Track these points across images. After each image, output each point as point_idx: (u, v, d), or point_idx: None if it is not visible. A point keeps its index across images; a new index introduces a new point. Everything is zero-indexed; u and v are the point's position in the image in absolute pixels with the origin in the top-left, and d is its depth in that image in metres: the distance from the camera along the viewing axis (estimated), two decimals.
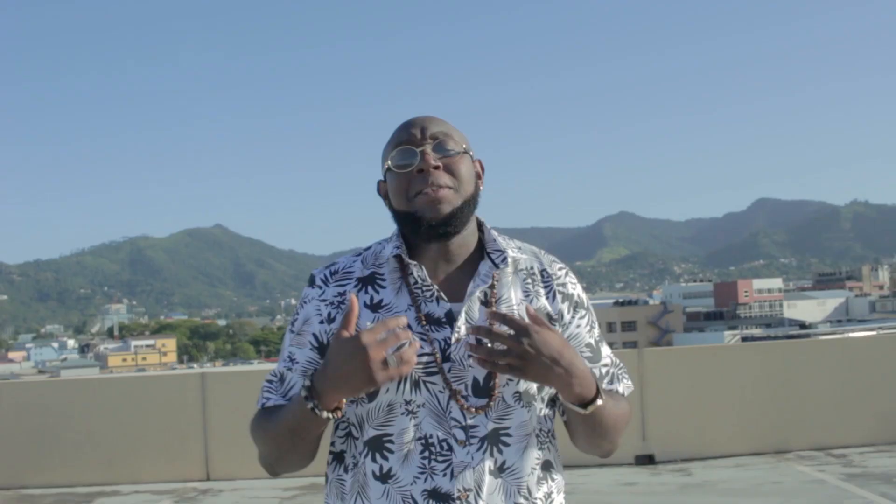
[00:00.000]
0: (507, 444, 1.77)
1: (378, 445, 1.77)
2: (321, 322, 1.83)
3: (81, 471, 9.30)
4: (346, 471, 1.83)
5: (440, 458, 1.74)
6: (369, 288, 1.84)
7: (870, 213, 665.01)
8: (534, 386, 1.79)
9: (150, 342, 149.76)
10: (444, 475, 1.73)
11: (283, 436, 1.76)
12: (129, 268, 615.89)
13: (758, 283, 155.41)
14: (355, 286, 1.84)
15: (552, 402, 1.86)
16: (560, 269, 1.93)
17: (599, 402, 1.72)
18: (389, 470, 1.75)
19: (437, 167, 1.79)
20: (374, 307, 1.81)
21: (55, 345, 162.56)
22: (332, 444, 1.88)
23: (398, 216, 1.85)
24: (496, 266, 1.84)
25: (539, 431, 1.83)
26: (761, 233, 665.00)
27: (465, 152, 1.85)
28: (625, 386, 1.93)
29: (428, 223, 1.78)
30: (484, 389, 1.77)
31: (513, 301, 1.84)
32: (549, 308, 1.86)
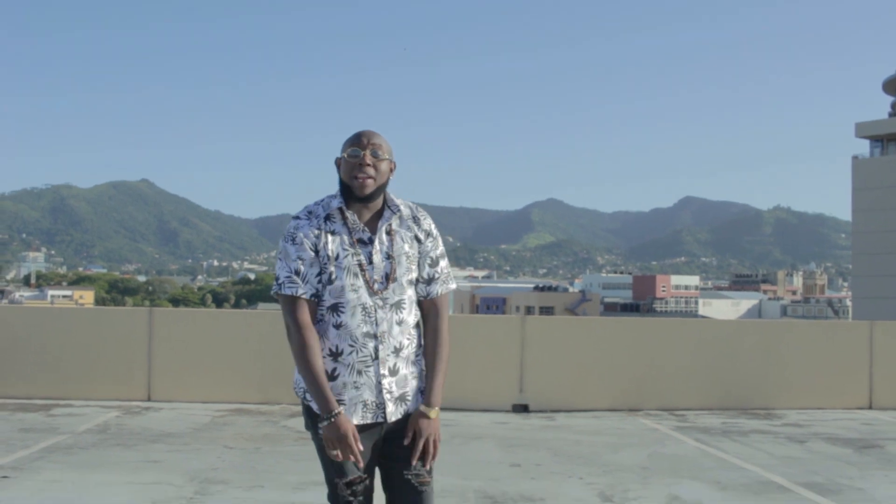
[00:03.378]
0: (402, 308, 3.32)
1: (335, 308, 3.27)
2: (314, 237, 3.27)
3: (38, 386, 10.66)
4: (315, 322, 3.29)
5: (370, 316, 3.26)
6: (327, 222, 3.31)
7: (791, 219, 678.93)
8: (414, 275, 3.36)
9: (68, 293, 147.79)
10: (373, 324, 3.26)
11: (300, 367, 3.24)
12: (49, 216, 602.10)
13: (676, 280, 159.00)
14: (323, 221, 3.30)
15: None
16: (423, 217, 3.44)
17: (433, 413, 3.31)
18: (342, 322, 3.26)
19: (368, 164, 3.26)
20: (330, 233, 3.29)
21: None
22: None
23: (342, 185, 3.31)
24: (393, 213, 3.37)
25: (414, 301, 3.40)
26: (685, 230, 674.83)
27: (387, 159, 3.32)
28: (443, 288, 3.46)
29: (356, 196, 3.27)
30: (389, 278, 3.29)
31: (401, 232, 3.38)
32: (419, 233, 3.39)
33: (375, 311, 3.26)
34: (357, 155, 3.26)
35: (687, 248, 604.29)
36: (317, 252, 3.28)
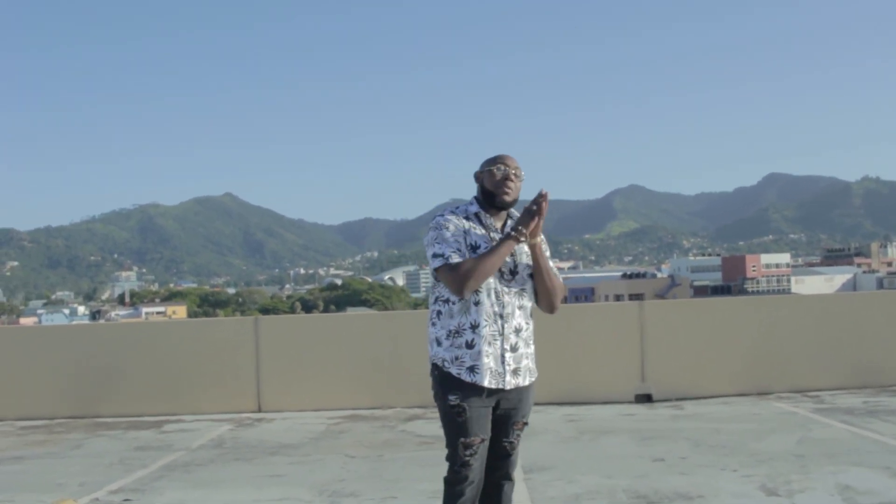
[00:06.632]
0: (524, 294, 3.99)
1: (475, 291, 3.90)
2: (462, 227, 3.92)
3: (148, 403, 10.51)
4: (454, 303, 3.89)
5: (499, 299, 3.91)
6: (467, 220, 3.98)
7: (881, 189, 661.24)
8: (531, 267, 3.97)
9: (161, 309, 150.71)
10: (501, 305, 3.91)
11: (495, 265, 3.81)
12: (138, 235, 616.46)
13: (766, 258, 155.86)
14: (464, 219, 3.96)
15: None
16: None
17: (539, 238, 3.93)
18: (479, 300, 3.89)
19: (514, 181, 3.95)
20: (466, 231, 3.93)
21: (66, 311, 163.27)
22: (437, 299, 3.98)
23: (486, 194, 3.98)
24: (510, 216, 4.06)
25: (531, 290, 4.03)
26: (771, 208, 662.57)
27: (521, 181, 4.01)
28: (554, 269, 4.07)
29: (497, 205, 3.97)
30: (516, 268, 3.96)
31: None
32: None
33: (503, 295, 3.90)
34: (507, 171, 3.94)
35: (774, 226, 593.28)
36: (464, 235, 3.92)
